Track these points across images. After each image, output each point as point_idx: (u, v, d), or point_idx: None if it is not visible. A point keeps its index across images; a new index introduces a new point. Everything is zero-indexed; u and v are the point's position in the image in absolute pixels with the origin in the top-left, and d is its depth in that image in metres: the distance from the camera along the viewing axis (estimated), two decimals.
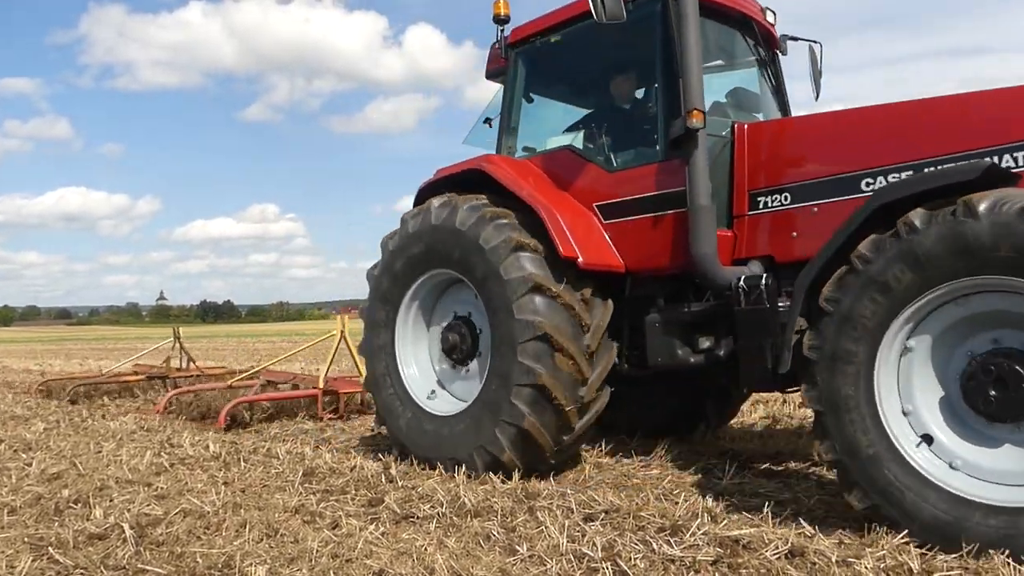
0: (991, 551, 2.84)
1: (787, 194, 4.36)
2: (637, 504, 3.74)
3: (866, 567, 2.80)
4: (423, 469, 4.95)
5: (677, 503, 3.93)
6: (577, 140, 5.37)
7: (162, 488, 4.71)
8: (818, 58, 5.66)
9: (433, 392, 5.28)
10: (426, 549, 3.38)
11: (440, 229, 4.93)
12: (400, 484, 4.56)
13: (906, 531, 3.07)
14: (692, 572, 2.94)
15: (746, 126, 4.66)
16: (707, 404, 5.83)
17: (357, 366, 8.27)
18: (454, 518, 3.81)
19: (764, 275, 4.00)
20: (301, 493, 4.49)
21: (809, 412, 3.60)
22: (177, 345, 11.36)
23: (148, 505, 4.29)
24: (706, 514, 3.49)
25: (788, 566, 2.91)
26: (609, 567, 3.00)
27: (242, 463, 5.39)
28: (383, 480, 4.69)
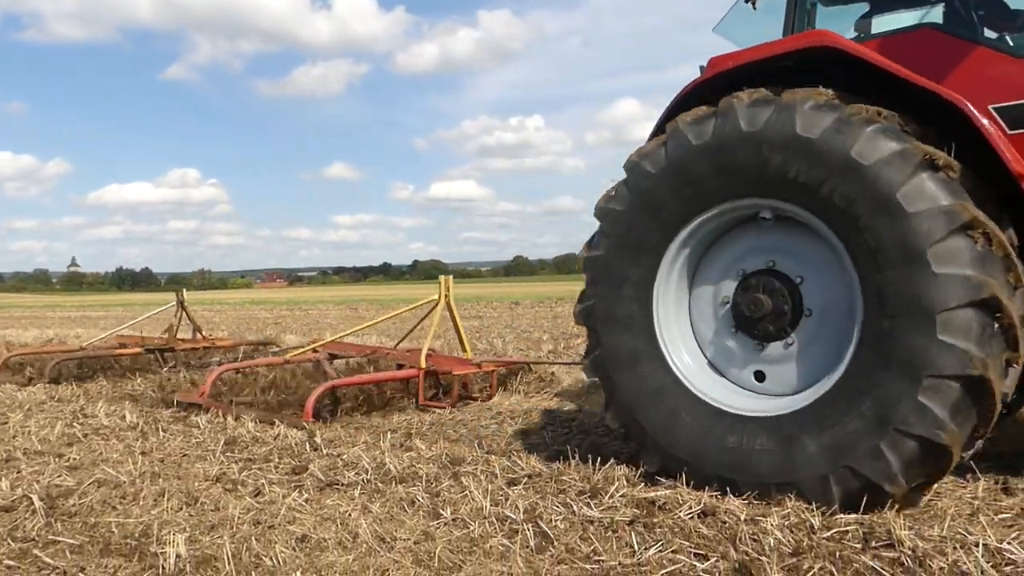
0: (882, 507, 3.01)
1: None
2: (559, 469, 3.84)
3: (772, 524, 2.96)
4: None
5: (597, 468, 4.05)
6: (935, 16, 3.95)
7: (75, 459, 4.57)
8: None
9: (723, 377, 3.75)
10: (350, 515, 3.40)
11: (759, 138, 3.35)
12: (324, 452, 4.54)
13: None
14: (610, 532, 3.05)
15: None
16: None
17: (461, 341, 7.05)
18: (379, 484, 3.83)
19: None
20: (222, 462, 4.43)
21: None
22: (181, 312, 9.61)
23: (59, 476, 4.16)
24: (624, 478, 3.61)
25: (700, 525, 3.05)
26: (530, 528, 3.09)
27: (160, 433, 5.27)
28: (307, 448, 4.67)
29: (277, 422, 5.26)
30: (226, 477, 4.10)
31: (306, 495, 3.73)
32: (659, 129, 3.81)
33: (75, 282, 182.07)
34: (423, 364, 6.12)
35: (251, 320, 21.07)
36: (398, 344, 7.55)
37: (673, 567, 2.71)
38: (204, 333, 9.98)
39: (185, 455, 4.66)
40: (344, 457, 4.37)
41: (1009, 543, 2.68)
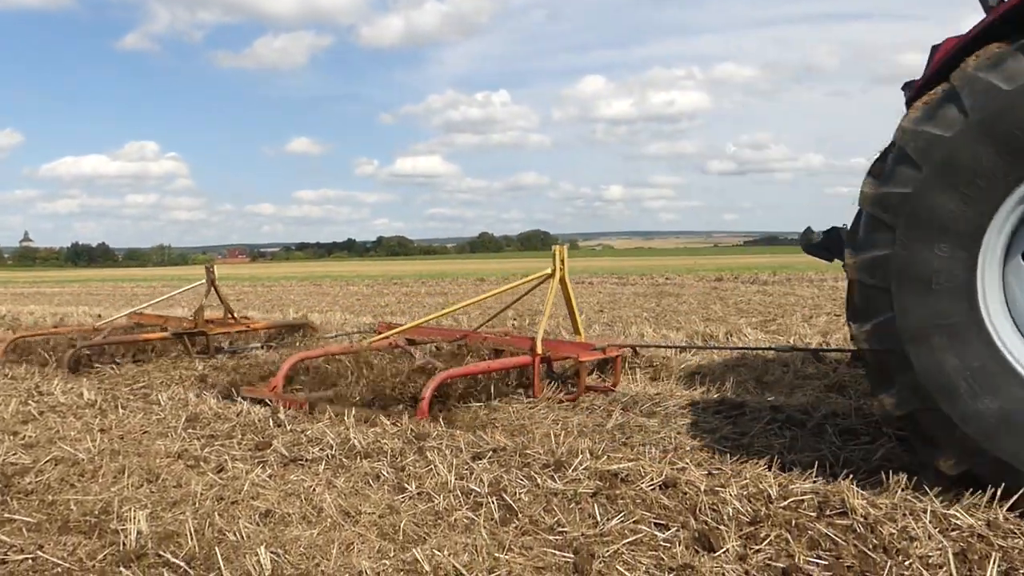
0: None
1: None
2: (523, 443, 3.87)
3: (731, 494, 3.03)
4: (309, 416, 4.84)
5: (561, 443, 4.10)
6: None
7: (31, 437, 4.49)
8: None
9: None
10: (314, 489, 3.40)
11: None
12: (288, 428, 4.52)
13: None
14: (573, 504, 3.09)
15: None
16: None
17: (575, 322, 5.91)
18: (343, 459, 3.83)
19: None
20: (184, 439, 4.39)
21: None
22: (211, 290, 8.51)
23: (15, 454, 4.08)
24: (587, 451, 3.66)
25: (661, 496, 3.11)
26: (494, 501, 3.12)
27: (120, 410, 5.18)
28: (271, 424, 4.63)
29: (383, 420, 4.54)
30: (188, 453, 4.07)
31: (270, 471, 3.71)
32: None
33: (28, 257, 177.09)
34: (539, 349, 5.25)
35: (212, 296, 20.73)
36: (479, 327, 6.83)
37: (635, 537, 2.76)
38: (236, 315, 8.86)
39: (146, 432, 4.60)
40: (308, 433, 4.35)
41: (956, 509, 2.78)
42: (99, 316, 12.05)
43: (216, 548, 2.76)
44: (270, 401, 5.08)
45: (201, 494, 3.37)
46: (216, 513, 3.13)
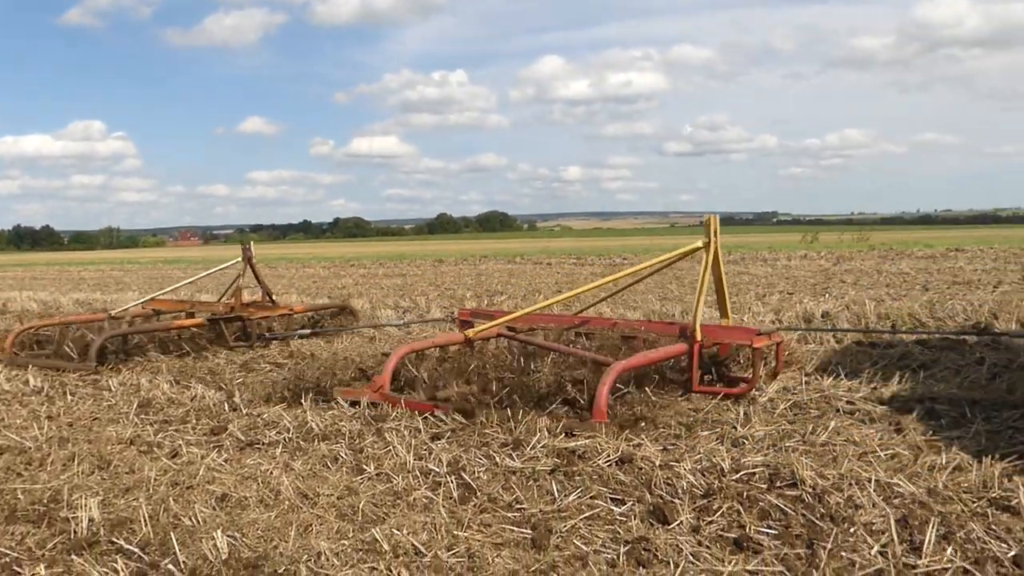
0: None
1: None
2: (482, 423, 3.89)
3: (685, 469, 3.10)
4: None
5: (520, 422, 4.13)
6: None
7: None
8: None
9: None
10: (272, 473, 3.38)
11: None
12: (244, 412, 4.47)
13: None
14: (531, 481, 3.13)
15: None
16: None
17: (724, 304, 5.00)
18: (301, 442, 3.81)
19: None
20: (137, 424, 4.31)
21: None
22: (248, 270, 7.61)
23: None
24: (545, 430, 3.69)
25: (618, 472, 3.16)
26: (453, 480, 3.14)
27: (68, 396, 5.07)
28: (226, 408, 4.58)
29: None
30: (141, 439, 4.00)
31: (226, 455, 3.67)
32: None
33: None
34: (699, 336, 4.61)
35: (164, 279, 20.28)
36: (582, 311, 6.29)
37: (591, 512, 2.81)
38: (275, 299, 8.03)
39: (96, 419, 4.51)
40: (265, 417, 4.31)
41: (899, 478, 2.89)
42: (82, 302, 11.66)
43: (171, 533, 2.73)
44: (375, 405, 4.33)
45: (155, 480, 3.33)
46: (171, 498, 3.09)
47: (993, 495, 2.75)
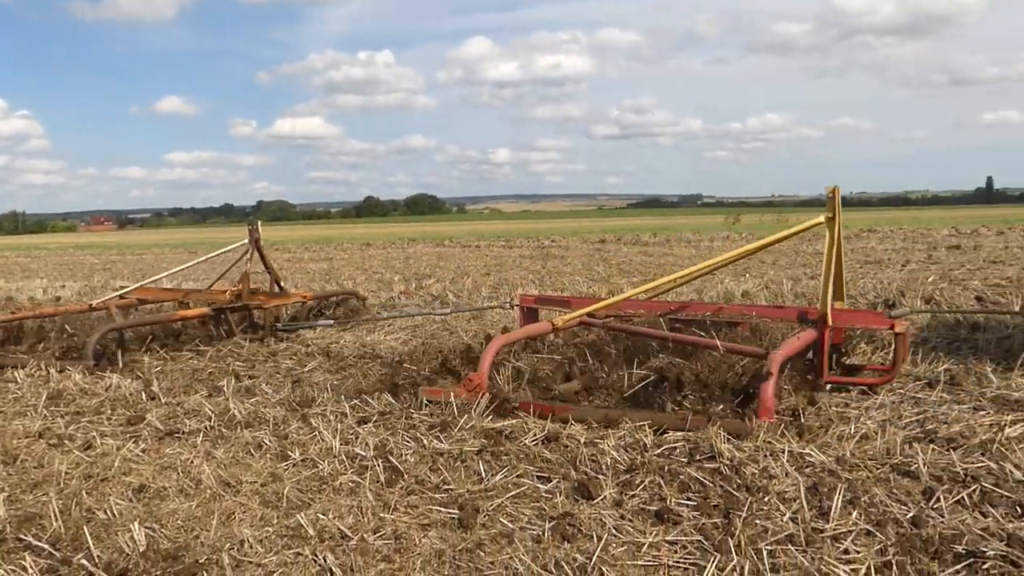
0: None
1: None
2: (410, 407, 3.88)
3: (609, 445, 3.17)
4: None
5: (449, 404, 4.13)
6: None
7: None
8: None
9: None
10: (192, 462, 3.29)
11: None
12: (163, 401, 4.33)
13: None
14: (459, 462, 3.14)
15: None
16: None
17: (840, 285, 4.34)
18: (223, 430, 3.72)
19: None
20: (46, 416, 4.13)
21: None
22: (255, 254, 6.84)
23: None
24: (473, 411, 3.71)
25: (544, 450, 3.21)
26: (380, 463, 3.12)
27: None
28: (144, 398, 4.43)
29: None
30: (51, 432, 3.83)
31: (143, 445, 3.56)
32: None
33: None
34: (830, 320, 4.12)
35: (76, 266, 19.38)
36: (663, 292, 5.57)
37: (518, 490, 2.84)
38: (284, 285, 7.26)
39: (0, 412, 4.29)
40: (185, 405, 4.19)
41: (810, 449, 3.03)
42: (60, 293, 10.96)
43: (84, 527, 2.63)
44: (477, 405, 3.72)
45: (66, 473, 3.20)
46: (84, 492, 2.98)
47: (895, 461, 2.92)
